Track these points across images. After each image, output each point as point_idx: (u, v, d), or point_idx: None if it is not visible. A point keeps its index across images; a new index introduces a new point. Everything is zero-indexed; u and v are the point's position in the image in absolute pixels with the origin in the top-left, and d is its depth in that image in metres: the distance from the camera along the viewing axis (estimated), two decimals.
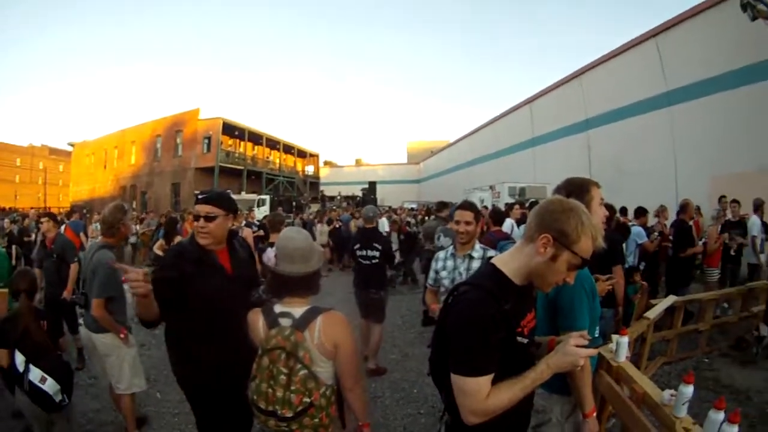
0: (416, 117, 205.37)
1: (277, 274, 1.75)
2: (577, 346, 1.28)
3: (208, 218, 2.08)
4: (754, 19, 4.41)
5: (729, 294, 5.83)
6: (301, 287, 1.75)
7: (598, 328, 1.90)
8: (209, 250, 2.13)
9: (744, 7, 4.43)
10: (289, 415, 1.60)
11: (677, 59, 12.43)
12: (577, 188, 1.84)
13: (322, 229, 11.89)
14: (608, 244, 4.65)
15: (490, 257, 1.46)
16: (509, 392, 1.24)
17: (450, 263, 2.91)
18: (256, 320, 1.75)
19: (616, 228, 5.30)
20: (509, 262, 1.34)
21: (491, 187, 16.51)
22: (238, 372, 1.80)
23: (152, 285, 1.76)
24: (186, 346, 2.13)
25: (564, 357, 1.28)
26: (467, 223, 2.81)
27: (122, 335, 3.10)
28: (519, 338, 1.29)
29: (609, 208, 4.41)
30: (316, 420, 1.64)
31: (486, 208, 11.12)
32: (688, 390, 1.74)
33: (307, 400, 1.60)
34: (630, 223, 6.38)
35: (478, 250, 2.86)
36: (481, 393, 1.21)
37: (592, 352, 1.33)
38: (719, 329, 5.69)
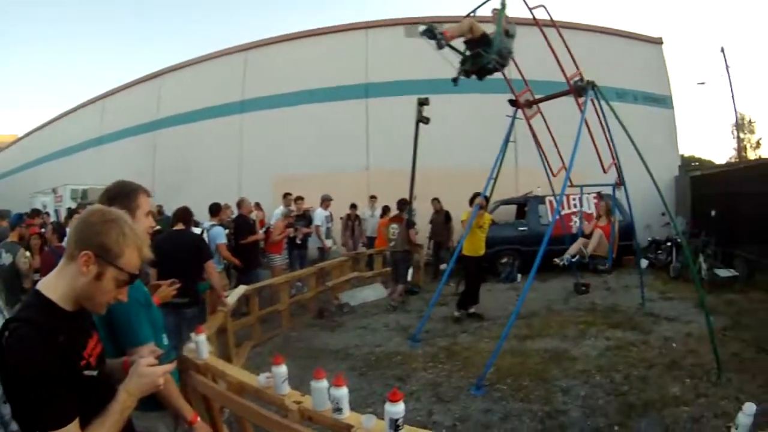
0: None
1: None
2: (151, 365, 1.21)
3: None
4: (440, 47, 4.56)
5: (301, 275, 7.04)
6: None
7: (165, 335, 1.83)
8: None
9: (427, 33, 4.45)
10: None
11: (257, 74, 14.36)
12: (121, 194, 1.68)
13: None
14: (198, 243, 4.49)
15: None
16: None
17: None
18: None
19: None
20: (56, 286, 1.14)
21: (54, 190, 14.45)
22: None
23: None
24: None
25: (141, 380, 1.18)
26: None
27: None
28: (86, 372, 1.13)
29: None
30: None
31: (48, 215, 9.15)
32: (281, 370, 1.91)
33: None
34: (209, 222, 6.16)
35: None
36: None
37: (169, 368, 1.25)
38: (298, 305, 6.74)
